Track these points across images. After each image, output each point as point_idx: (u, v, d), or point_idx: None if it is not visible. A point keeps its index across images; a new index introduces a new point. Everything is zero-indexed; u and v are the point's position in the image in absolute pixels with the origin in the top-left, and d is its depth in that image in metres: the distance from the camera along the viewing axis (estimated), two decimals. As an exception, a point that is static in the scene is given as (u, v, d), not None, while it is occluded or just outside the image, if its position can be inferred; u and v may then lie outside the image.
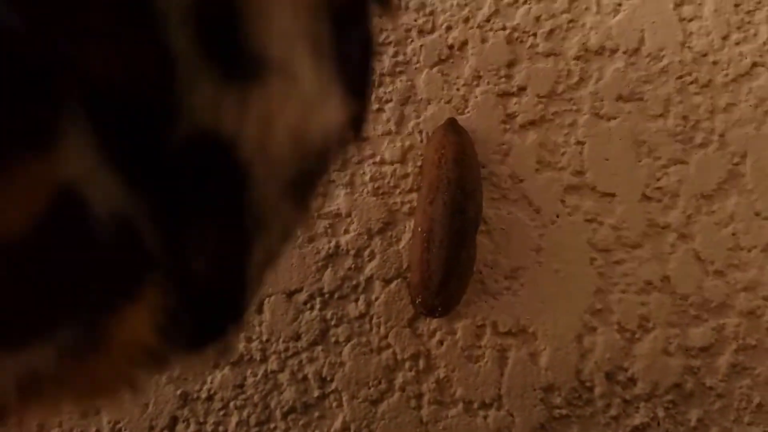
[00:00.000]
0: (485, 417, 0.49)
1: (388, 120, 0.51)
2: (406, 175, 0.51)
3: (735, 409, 0.50)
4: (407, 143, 0.51)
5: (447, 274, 0.48)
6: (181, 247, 0.21)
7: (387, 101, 0.52)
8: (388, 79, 0.52)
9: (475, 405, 0.49)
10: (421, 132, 0.52)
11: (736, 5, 0.55)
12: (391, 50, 0.52)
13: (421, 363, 0.49)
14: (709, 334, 0.50)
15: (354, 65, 0.26)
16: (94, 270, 0.20)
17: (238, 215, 0.23)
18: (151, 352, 0.22)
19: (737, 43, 0.54)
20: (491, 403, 0.49)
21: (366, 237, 0.50)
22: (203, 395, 0.51)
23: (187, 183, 0.21)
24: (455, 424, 0.49)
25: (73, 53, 0.18)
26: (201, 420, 0.51)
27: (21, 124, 0.17)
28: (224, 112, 0.21)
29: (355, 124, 0.26)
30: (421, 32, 0.53)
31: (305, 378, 0.49)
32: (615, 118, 0.52)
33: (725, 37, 0.54)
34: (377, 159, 0.51)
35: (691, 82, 0.53)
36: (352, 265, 0.50)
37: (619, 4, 0.54)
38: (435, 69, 0.52)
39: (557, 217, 0.51)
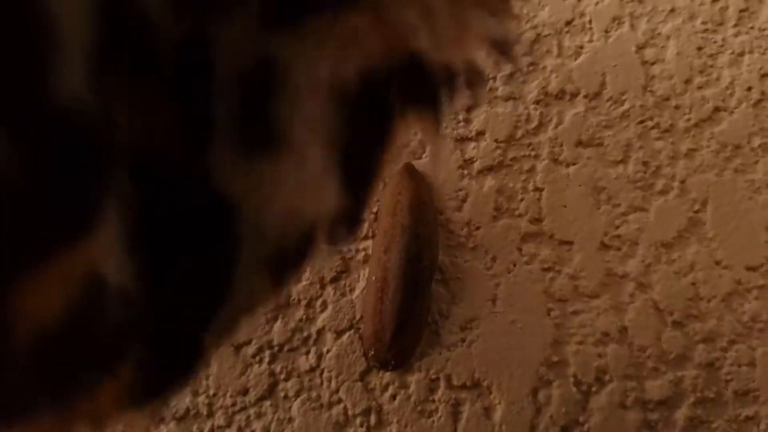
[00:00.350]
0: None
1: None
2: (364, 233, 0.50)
3: (691, 462, 0.49)
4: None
5: (401, 326, 0.47)
6: (162, 313, 0.21)
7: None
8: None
9: (428, 461, 0.48)
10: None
11: (699, 48, 0.54)
12: (346, 92, 0.51)
13: (373, 418, 0.48)
14: (666, 387, 0.50)
15: (359, 163, 0.26)
16: (99, 346, 0.20)
17: (216, 284, 0.23)
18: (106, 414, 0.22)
19: (699, 87, 0.53)
20: (444, 459, 0.48)
21: (318, 286, 0.49)
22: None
23: (185, 250, 0.22)
24: (407, 482, 0.48)
25: (129, 128, 0.18)
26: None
27: (68, 212, 0.18)
28: (236, 180, 0.22)
29: (348, 221, 0.26)
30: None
31: (252, 434, 0.48)
32: (574, 164, 0.51)
33: (687, 81, 0.53)
34: (331, 205, 0.50)
35: (653, 127, 0.52)
36: (303, 316, 0.49)
37: (581, 47, 0.53)
38: (392, 112, 0.51)
39: (514, 266, 0.50)
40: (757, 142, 0.53)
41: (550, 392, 0.49)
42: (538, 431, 0.48)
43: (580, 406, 0.49)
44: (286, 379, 0.48)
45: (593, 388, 0.49)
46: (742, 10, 0.55)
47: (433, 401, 0.48)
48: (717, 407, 0.50)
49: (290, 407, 0.48)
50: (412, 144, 0.51)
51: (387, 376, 0.48)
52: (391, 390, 0.48)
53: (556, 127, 0.52)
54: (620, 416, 0.49)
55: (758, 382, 0.50)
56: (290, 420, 0.48)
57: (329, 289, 0.49)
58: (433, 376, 0.49)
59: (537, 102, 0.52)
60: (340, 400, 0.48)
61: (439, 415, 0.48)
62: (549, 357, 0.49)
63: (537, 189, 0.51)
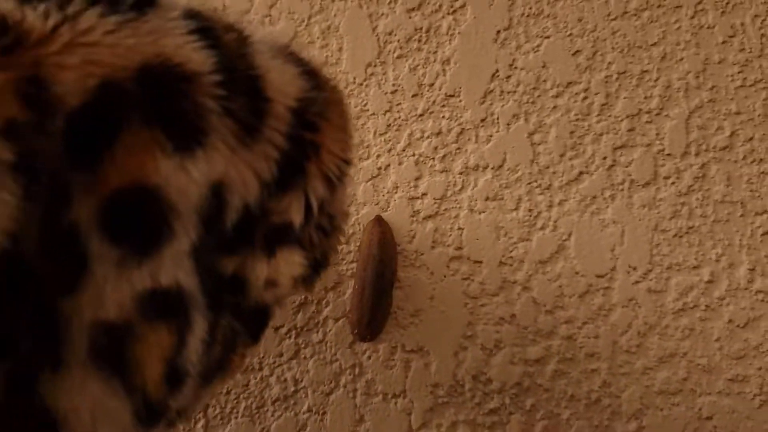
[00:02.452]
0: (396, 403, 0.77)
1: (338, 218, 0.79)
2: (349, 252, 0.79)
3: (556, 398, 0.77)
4: (350, 231, 0.79)
5: (373, 315, 0.76)
6: None
7: (337, 205, 0.79)
8: (338, 191, 0.79)
9: (389, 395, 0.77)
10: (359, 224, 0.79)
11: (571, 132, 0.80)
12: (340, 171, 0.80)
13: (357, 370, 0.77)
14: (540, 351, 0.77)
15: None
16: None
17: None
18: None
19: (570, 159, 0.80)
20: (399, 394, 0.77)
21: (323, 291, 0.78)
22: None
23: None
24: (377, 408, 0.77)
25: None
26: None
27: None
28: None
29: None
30: (360, 159, 0.80)
31: (285, 379, 0.78)
32: (484, 212, 0.79)
33: (562, 155, 0.80)
34: (332, 241, 0.79)
35: (537, 187, 0.79)
36: (314, 309, 0.78)
37: (491, 136, 0.80)
38: (369, 182, 0.79)
39: (444, 276, 0.78)
40: (608, 193, 0.79)
41: (466, 354, 0.77)
42: (458, 378, 0.77)
43: (484, 363, 0.77)
44: (305, 347, 0.78)
45: (493, 352, 0.77)
46: (602, 104, 0.81)
47: (393, 360, 0.77)
48: (573, 363, 0.77)
49: (308, 364, 0.78)
50: (381, 203, 0.79)
51: (365, 345, 0.77)
52: (367, 353, 0.77)
53: (472, 188, 0.79)
54: (510, 370, 0.77)
55: (600, 349, 0.77)
56: (308, 371, 0.78)
57: (330, 293, 0.78)
58: (393, 345, 0.77)
59: (461, 173, 0.79)
60: (337, 359, 0.77)
61: (396, 368, 0.77)
62: (465, 332, 0.77)
63: (459, 229, 0.79)
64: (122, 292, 0.30)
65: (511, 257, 0.77)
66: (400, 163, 0.78)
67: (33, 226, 0.28)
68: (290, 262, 0.40)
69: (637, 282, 0.76)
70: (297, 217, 0.39)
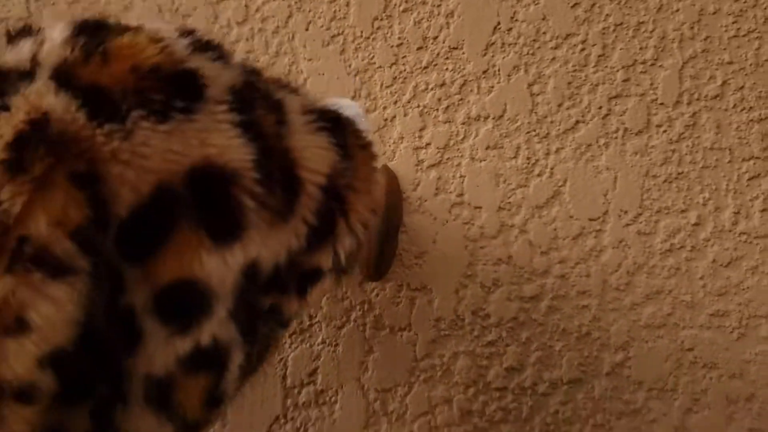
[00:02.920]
0: (402, 336, 0.83)
1: (348, 166, 0.84)
2: (358, 199, 0.84)
3: (549, 332, 0.83)
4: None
5: (380, 257, 0.82)
6: None
7: (347, 154, 0.84)
8: (347, 141, 0.84)
9: (396, 329, 0.83)
10: (367, 173, 0.84)
11: (569, 83, 0.84)
12: (349, 122, 0.84)
13: (366, 306, 0.84)
14: (535, 288, 0.83)
15: None
16: None
17: None
18: None
19: (567, 108, 0.84)
20: (404, 328, 0.83)
21: (335, 235, 0.84)
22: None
23: None
24: (384, 340, 0.83)
25: None
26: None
27: None
28: None
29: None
30: (367, 110, 0.84)
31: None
32: (484, 160, 0.84)
33: (560, 105, 0.84)
34: (342, 188, 0.84)
35: (535, 136, 0.84)
36: (327, 252, 0.84)
37: (492, 87, 0.84)
38: (376, 133, 0.84)
39: (446, 221, 0.84)
40: (602, 141, 0.84)
41: (466, 291, 0.83)
42: (458, 312, 0.83)
43: (483, 299, 0.83)
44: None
45: (491, 290, 0.83)
46: (599, 56, 0.84)
47: (399, 297, 0.83)
48: (566, 300, 0.83)
49: (321, 301, 0.84)
50: (388, 152, 0.84)
51: (373, 284, 0.83)
52: (376, 291, 0.84)
53: (474, 138, 0.84)
54: (506, 305, 0.83)
55: (591, 286, 0.83)
56: (321, 308, 0.84)
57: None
58: (399, 283, 0.83)
59: (463, 123, 0.84)
60: (348, 297, 0.84)
61: (402, 304, 0.83)
62: (465, 272, 0.83)
63: (461, 176, 0.84)
64: (168, 356, 0.39)
65: (510, 203, 0.82)
66: (405, 115, 0.82)
67: (100, 306, 0.36)
68: (320, 290, 0.47)
69: (627, 225, 0.81)
70: (326, 264, 0.47)
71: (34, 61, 0.39)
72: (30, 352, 0.33)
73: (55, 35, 0.40)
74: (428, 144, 0.82)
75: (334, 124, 0.48)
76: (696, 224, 0.81)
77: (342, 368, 0.81)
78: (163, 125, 0.38)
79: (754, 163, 0.82)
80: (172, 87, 0.39)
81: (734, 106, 0.82)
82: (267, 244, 0.42)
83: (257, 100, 0.43)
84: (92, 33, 0.40)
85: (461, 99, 0.82)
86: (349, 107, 0.55)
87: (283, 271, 0.44)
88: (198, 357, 0.40)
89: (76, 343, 0.35)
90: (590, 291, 0.81)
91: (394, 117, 0.82)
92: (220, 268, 0.39)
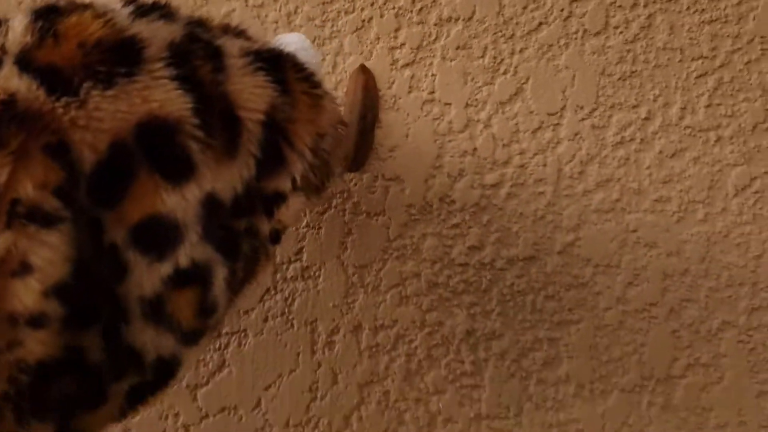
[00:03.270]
0: (377, 220, 0.93)
1: (327, 66, 0.91)
2: (337, 97, 0.92)
3: (508, 215, 0.93)
4: (338, 78, 0.91)
5: (358, 150, 0.90)
6: None
7: (326, 54, 0.91)
8: (326, 42, 0.91)
9: (371, 213, 0.93)
10: (345, 72, 0.91)
11: (533, -14, 0.90)
12: (328, 24, 0.91)
13: (345, 194, 0.93)
14: (496, 177, 0.92)
15: None
16: None
17: None
18: None
19: (531, 11, 0.90)
20: (379, 213, 0.93)
21: (318, 129, 0.93)
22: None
23: None
24: (361, 224, 0.93)
25: None
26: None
27: None
28: None
29: None
30: (346, 12, 0.91)
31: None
32: (454, 60, 0.91)
33: (525, 7, 0.90)
34: (323, 86, 0.92)
35: (501, 36, 0.90)
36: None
37: (461, -10, 0.90)
38: (354, 34, 0.91)
39: (418, 117, 0.92)
40: (563, 42, 0.90)
41: (434, 181, 0.93)
42: (427, 200, 0.93)
43: (449, 187, 0.93)
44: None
45: (456, 179, 0.93)
46: (563, -41, 0.90)
47: (375, 186, 0.93)
48: (523, 187, 0.92)
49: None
50: (365, 52, 0.91)
51: (352, 174, 0.92)
52: (354, 181, 0.93)
53: (445, 38, 0.91)
54: (470, 192, 0.93)
55: (547, 175, 0.92)
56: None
57: (323, 131, 0.93)
58: (375, 174, 0.93)
59: (435, 24, 0.91)
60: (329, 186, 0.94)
61: (377, 192, 0.93)
62: (434, 163, 0.92)
63: (433, 75, 0.91)
64: (153, 279, 0.47)
65: (476, 99, 0.90)
66: (381, 16, 0.89)
67: (87, 245, 0.44)
68: (291, 207, 0.55)
69: (582, 119, 0.90)
70: (285, 186, 0.55)
71: (2, 49, 0.47)
72: (35, 288, 0.42)
73: (16, 24, 0.48)
74: (402, 44, 0.89)
75: (273, 63, 0.55)
76: (646, 119, 0.90)
77: (324, 248, 0.92)
78: (110, 90, 0.46)
79: (702, 63, 0.89)
80: (114, 56, 0.47)
81: (687, 8, 0.89)
82: (219, 178, 0.50)
83: (196, 51, 0.51)
84: (45, 17, 0.48)
85: (434, 1, 0.89)
86: (294, 42, 0.62)
87: (242, 198, 0.52)
88: (180, 276, 0.49)
89: (73, 276, 0.44)
90: (546, 179, 0.90)
91: (371, 18, 0.88)
92: (180, 202, 0.47)
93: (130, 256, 0.47)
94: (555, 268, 0.91)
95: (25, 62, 0.46)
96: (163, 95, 0.48)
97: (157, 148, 0.47)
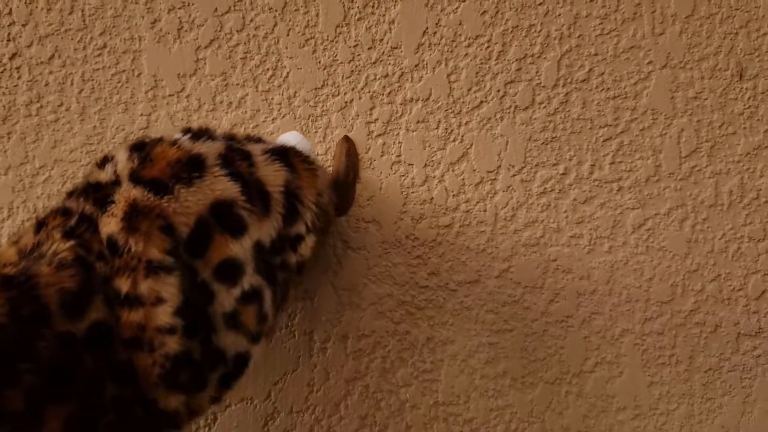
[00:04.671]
0: (359, 252, 1.20)
1: (319, 136, 1.18)
2: (327, 160, 1.19)
3: (458, 249, 1.20)
4: (328, 146, 1.18)
5: (343, 200, 1.17)
6: None
7: (317, 128, 1.18)
8: (318, 119, 1.18)
9: (355, 247, 1.20)
10: (333, 141, 1.18)
11: (476, 72, 1.17)
12: (319, 105, 1.18)
13: (336, 232, 1.21)
14: (449, 220, 1.19)
15: None
16: None
17: None
18: None
19: (474, 92, 1.17)
20: (360, 247, 1.20)
21: (312, 184, 1.19)
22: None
23: None
24: (347, 256, 1.20)
25: None
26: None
27: None
28: None
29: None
30: (333, 95, 1.17)
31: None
32: (415, 131, 1.18)
33: (469, 89, 1.17)
34: (317, 154, 1.19)
35: (451, 112, 1.17)
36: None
37: (421, 77, 1.16)
38: (339, 113, 1.17)
39: (389, 174, 1.19)
40: (499, 116, 1.17)
41: (401, 222, 1.19)
42: (397, 236, 1.20)
43: (413, 227, 1.19)
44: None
45: (419, 221, 1.19)
46: (500, 51, 1.16)
47: (357, 225, 1.19)
48: (469, 227, 1.19)
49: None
50: (348, 125, 1.17)
51: (341, 218, 1.19)
52: (341, 222, 1.20)
53: (408, 115, 1.17)
54: (428, 231, 1.19)
55: (487, 218, 1.19)
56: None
57: (316, 185, 1.19)
58: (357, 218, 1.19)
59: (401, 104, 1.17)
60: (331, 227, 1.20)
61: (360, 231, 1.19)
62: (401, 209, 1.18)
63: (400, 142, 1.17)
64: (230, 299, 0.74)
65: (432, 160, 1.16)
66: (360, 98, 1.15)
67: (188, 283, 0.71)
68: (307, 244, 0.83)
69: (514, 175, 1.16)
70: (302, 230, 0.83)
71: (116, 174, 0.74)
72: (168, 310, 0.69)
73: (120, 157, 0.76)
74: (376, 119, 1.16)
75: (283, 154, 0.84)
76: (563, 174, 1.16)
77: (318, 275, 1.19)
78: (191, 188, 0.74)
79: (608, 129, 1.16)
80: (189, 167, 0.75)
81: (597, 87, 1.15)
82: (261, 231, 0.78)
83: (234, 156, 0.79)
84: (140, 149, 0.76)
85: (400, 86, 1.15)
86: (293, 138, 0.94)
87: (276, 241, 0.80)
88: (245, 296, 0.76)
89: (184, 302, 0.71)
90: (486, 221, 1.17)
91: (352, 100, 1.15)
92: (241, 249, 0.75)
93: (214, 286, 0.75)
94: (494, 288, 1.18)
95: (135, 178, 0.73)
96: (221, 186, 0.76)
97: (223, 217, 0.75)
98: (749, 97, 1.16)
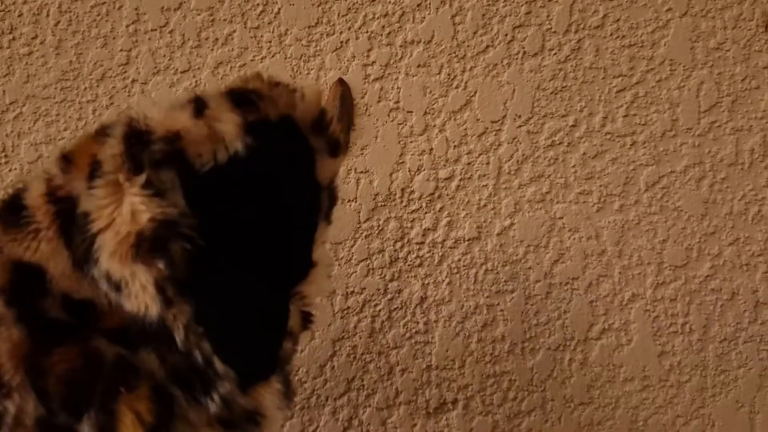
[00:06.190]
0: (350, 205, 1.11)
1: (311, 79, 1.09)
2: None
3: (457, 203, 1.12)
4: (321, 89, 1.09)
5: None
6: None
7: (310, 69, 1.09)
8: (311, 59, 1.09)
9: (346, 200, 1.11)
10: (326, 84, 1.09)
11: (483, 14, 1.08)
12: (312, 44, 1.09)
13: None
14: (449, 172, 1.10)
15: None
16: None
17: None
18: None
19: (480, 35, 1.08)
20: (352, 199, 1.11)
21: (302, 130, 1.11)
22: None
23: None
24: (338, 209, 1.12)
25: None
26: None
27: None
28: None
29: None
30: (327, 35, 1.08)
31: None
32: (416, 76, 1.09)
33: (475, 32, 1.08)
34: (308, 95, 1.10)
35: (455, 57, 1.08)
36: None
37: (423, 17, 1.08)
38: (333, 53, 1.08)
39: (386, 122, 1.10)
40: (506, 62, 1.08)
41: (398, 174, 1.10)
42: (391, 190, 1.11)
43: (410, 180, 1.10)
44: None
45: (416, 173, 1.10)
46: (507, -7, 1.07)
47: (349, 178, 1.10)
48: (470, 181, 1.11)
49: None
50: (343, 68, 1.09)
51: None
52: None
53: (409, 58, 1.09)
54: (427, 184, 1.11)
55: (489, 171, 1.10)
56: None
57: (307, 131, 1.11)
58: (349, 168, 1.09)
59: (401, 46, 1.08)
60: (311, 176, 1.12)
61: (351, 183, 1.11)
62: (398, 160, 1.09)
63: (398, 88, 1.08)
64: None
65: (433, 108, 1.08)
66: (356, 38, 1.07)
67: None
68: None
69: (520, 126, 1.08)
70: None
71: None
72: None
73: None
74: (374, 62, 1.07)
75: None
76: (573, 126, 1.07)
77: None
78: None
79: (622, 80, 1.07)
80: None
81: (611, 34, 1.06)
82: None
83: None
84: None
85: (400, 27, 1.06)
86: None
87: None
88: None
89: None
90: (489, 174, 1.08)
91: (348, 40, 1.06)
92: None
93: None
94: (494, 247, 1.09)
95: None
96: None
97: None
98: (775, 50, 1.06)
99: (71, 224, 0.52)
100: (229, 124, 0.53)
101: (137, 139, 0.51)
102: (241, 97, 0.55)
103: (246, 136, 0.53)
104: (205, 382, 0.56)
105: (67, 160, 0.55)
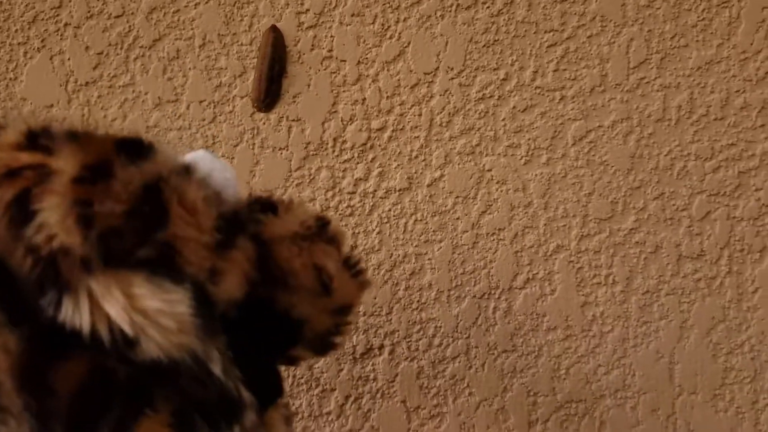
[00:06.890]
0: (281, 154, 1.12)
1: (245, 26, 1.09)
2: (251, 51, 1.10)
3: (389, 154, 1.12)
4: (253, 36, 1.09)
5: (267, 95, 1.09)
6: None
7: (243, 16, 1.09)
8: (244, 6, 1.09)
9: (277, 148, 1.12)
10: (259, 31, 1.09)
11: None
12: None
13: (255, 131, 1.12)
14: (381, 123, 1.11)
15: None
16: None
17: None
18: None
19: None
20: (283, 148, 1.12)
21: (233, 78, 1.11)
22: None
23: None
24: (268, 156, 1.12)
25: None
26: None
27: None
28: None
29: None
30: (261, -18, 1.08)
31: (207, 136, 1.13)
32: (350, 25, 1.09)
33: None
34: (241, 42, 1.10)
35: (389, 6, 1.08)
36: (226, 91, 1.12)
37: None
38: (267, 0, 1.09)
39: (318, 71, 1.10)
40: (439, 14, 1.08)
41: (330, 123, 1.11)
42: (323, 139, 1.12)
43: (342, 129, 1.11)
44: (219, 115, 1.12)
45: (348, 122, 1.11)
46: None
47: (280, 126, 1.11)
48: (402, 132, 1.12)
49: (221, 127, 1.12)
50: (276, 15, 1.09)
51: (261, 115, 1.10)
52: (263, 120, 1.10)
53: (343, 6, 1.09)
54: (359, 134, 1.11)
55: (421, 122, 1.11)
56: (221, 131, 1.13)
57: (238, 79, 1.11)
58: (281, 115, 1.10)
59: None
60: (242, 124, 1.11)
61: (282, 131, 1.12)
62: (331, 110, 1.10)
63: (332, 36, 1.09)
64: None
65: (367, 58, 1.08)
66: (289, -13, 1.06)
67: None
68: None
69: (452, 78, 1.08)
70: None
71: None
72: None
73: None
74: (308, 10, 1.07)
75: None
76: (504, 79, 1.08)
77: (237, 175, 1.11)
78: None
79: (553, 35, 1.08)
80: None
81: (544, -12, 1.07)
82: None
83: None
84: None
85: (333, -24, 1.06)
86: (204, 161, 0.62)
87: None
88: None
89: None
90: (420, 126, 1.09)
91: (280, -12, 1.06)
92: None
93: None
94: (424, 197, 1.10)
95: None
96: None
97: None
98: (703, 9, 1.08)
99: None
100: None
101: None
102: None
103: None
104: (230, 414, 0.53)
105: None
